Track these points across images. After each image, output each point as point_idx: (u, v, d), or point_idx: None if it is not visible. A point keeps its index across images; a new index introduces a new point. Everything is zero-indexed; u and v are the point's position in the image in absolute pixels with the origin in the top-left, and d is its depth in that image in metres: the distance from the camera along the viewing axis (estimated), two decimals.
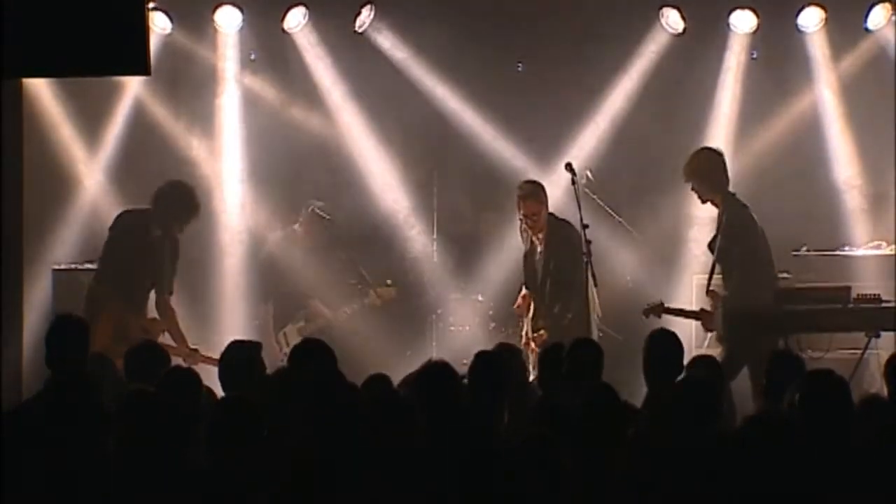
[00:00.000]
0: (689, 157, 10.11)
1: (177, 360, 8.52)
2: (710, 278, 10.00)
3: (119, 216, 10.32)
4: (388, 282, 11.69)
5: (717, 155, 10.12)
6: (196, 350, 10.00)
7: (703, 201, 10.11)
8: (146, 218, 10.13)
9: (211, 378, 7.05)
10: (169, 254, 10.15)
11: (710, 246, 10.04)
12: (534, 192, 10.37)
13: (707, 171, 9.99)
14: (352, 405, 5.81)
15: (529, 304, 10.51)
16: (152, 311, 10.22)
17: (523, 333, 10.48)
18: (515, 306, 10.68)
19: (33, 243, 10.68)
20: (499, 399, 6.69)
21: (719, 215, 9.98)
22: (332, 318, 11.48)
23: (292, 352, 6.89)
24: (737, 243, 9.85)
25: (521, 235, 10.60)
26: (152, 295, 10.18)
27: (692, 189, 10.06)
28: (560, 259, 10.26)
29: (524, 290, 10.56)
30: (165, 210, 10.10)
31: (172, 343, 9.93)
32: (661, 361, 7.22)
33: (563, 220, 10.35)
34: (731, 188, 10.01)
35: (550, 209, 10.45)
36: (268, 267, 11.69)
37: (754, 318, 9.88)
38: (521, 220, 10.46)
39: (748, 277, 9.84)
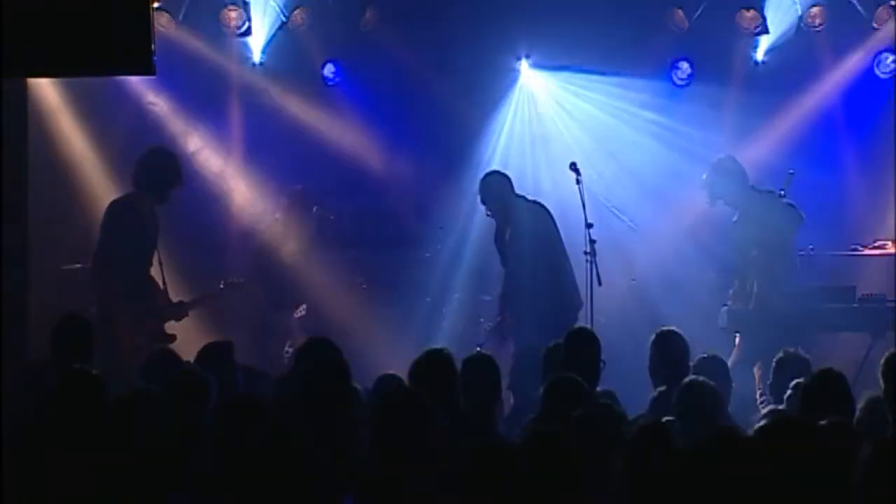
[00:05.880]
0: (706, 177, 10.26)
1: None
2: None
3: (110, 207, 10.13)
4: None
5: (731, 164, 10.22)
6: (182, 301, 10.29)
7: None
8: (133, 200, 10.08)
9: None
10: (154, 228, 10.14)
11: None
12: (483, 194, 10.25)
13: (727, 185, 10.10)
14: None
15: None
16: None
17: None
18: None
19: (40, 243, 10.67)
20: (493, 398, 6.73)
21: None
22: None
23: (299, 350, 6.84)
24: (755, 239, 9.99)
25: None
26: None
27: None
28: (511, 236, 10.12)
29: None
30: (150, 181, 10.03)
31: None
32: (667, 361, 7.23)
33: (532, 202, 10.19)
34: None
35: (553, 208, 10.38)
36: (260, 261, 11.75)
37: (767, 317, 9.93)
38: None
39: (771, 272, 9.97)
